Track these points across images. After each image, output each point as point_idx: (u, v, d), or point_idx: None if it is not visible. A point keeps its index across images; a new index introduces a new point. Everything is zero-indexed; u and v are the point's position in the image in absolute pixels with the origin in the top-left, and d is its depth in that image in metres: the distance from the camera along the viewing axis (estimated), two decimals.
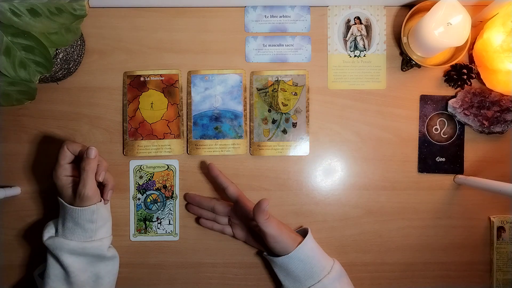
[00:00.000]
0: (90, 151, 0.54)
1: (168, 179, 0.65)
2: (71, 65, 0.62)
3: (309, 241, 0.58)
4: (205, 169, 0.65)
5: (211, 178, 0.64)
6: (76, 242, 0.56)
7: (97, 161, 0.56)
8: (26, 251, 0.65)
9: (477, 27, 0.63)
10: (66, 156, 0.56)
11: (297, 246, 0.56)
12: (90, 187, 0.54)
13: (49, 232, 0.57)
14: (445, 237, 0.65)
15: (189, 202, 0.65)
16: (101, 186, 0.59)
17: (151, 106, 0.65)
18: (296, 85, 0.65)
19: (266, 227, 0.54)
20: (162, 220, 0.65)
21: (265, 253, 0.61)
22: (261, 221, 0.54)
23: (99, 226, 0.57)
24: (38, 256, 0.65)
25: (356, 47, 0.66)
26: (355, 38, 0.66)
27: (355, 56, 0.66)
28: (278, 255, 0.57)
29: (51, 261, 0.56)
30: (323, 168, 0.66)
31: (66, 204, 0.55)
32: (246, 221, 0.62)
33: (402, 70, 0.65)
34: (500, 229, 0.65)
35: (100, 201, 0.57)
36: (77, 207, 0.55)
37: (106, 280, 0.58)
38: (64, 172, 0.56)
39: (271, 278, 0.65)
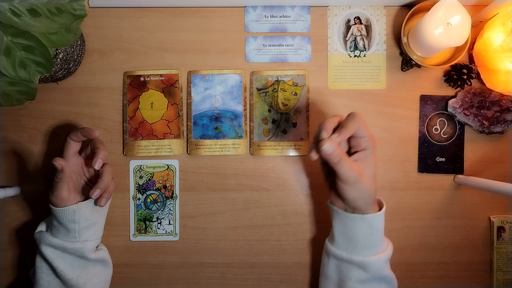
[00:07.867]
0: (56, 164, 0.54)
1: (168, 179, 0.65)
2: (71, 65, 0.62)
3: (383, 213, 0.53)
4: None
5: None
6: (59, 240, 0.56)
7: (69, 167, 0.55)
8: (26, 251, 0.65)
9: (477, 27, 0.63)
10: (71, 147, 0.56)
11: (377, 211, 0.52)
12: (61, 191, 0.54)
13: (40, 227, 0.59)
14: (445, 237, 0.65)
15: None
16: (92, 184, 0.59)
17: (151, 106, 0.65)
18: (296, 85, 0.65)
19: (339, 166, 0.47)
20: (162, 220, 0.65)
21: (330, 202, 0.56)
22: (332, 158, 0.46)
23: (83, 227, 0.57)
24: None
25: (356, 47, 0.66)
26: (355, 38, 0.66)
27: (355, 56, 0.66)
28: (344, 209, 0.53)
29: (38, 254, 0.57)
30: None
31: (50, 204, 0.56)
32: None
33: (402, 70, 0.65)
34: (500, 229, 0.65)
35: (82, 201, 0.57)
36: (58, 208, 0.55)
37: (95, 281, 0.58)
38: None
39: (271, 278, 0.65)
